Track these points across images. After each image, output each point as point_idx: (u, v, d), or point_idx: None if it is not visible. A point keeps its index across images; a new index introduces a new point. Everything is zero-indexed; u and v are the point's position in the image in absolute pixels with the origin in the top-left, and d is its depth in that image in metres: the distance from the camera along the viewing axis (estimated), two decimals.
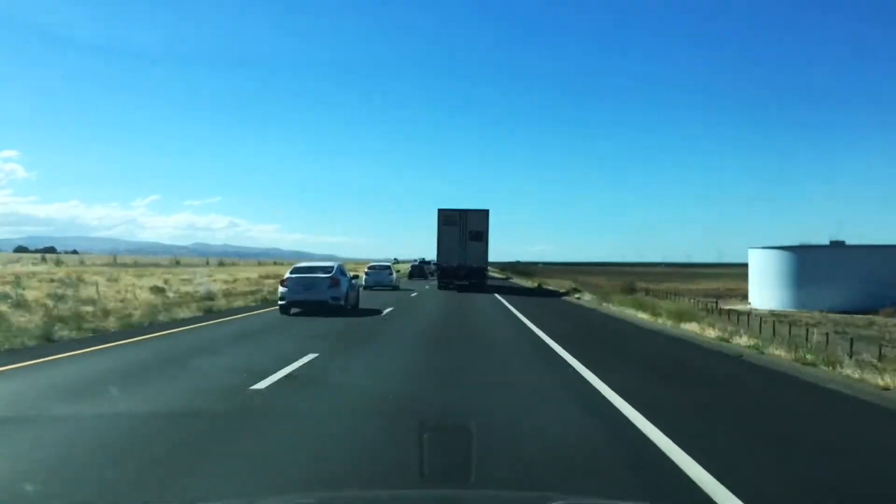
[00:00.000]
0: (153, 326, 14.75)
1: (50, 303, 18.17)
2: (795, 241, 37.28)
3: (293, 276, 18.85)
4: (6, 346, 10.81)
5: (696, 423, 6.46)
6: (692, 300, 29.91)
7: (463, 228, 35.88)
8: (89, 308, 17.14)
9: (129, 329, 14.08)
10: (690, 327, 15.93)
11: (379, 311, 19.92)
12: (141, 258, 74.63)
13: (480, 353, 11.72)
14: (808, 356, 10.25)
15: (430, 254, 41.33)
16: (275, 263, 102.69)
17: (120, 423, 6.09)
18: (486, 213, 36.67)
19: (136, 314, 16.48)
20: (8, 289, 23.40)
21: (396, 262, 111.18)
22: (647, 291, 35.93)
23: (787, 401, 8.07)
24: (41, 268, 48.82)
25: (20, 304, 17.73)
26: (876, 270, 32.88)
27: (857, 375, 8.81)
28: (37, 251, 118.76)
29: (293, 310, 18.49)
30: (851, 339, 12.03)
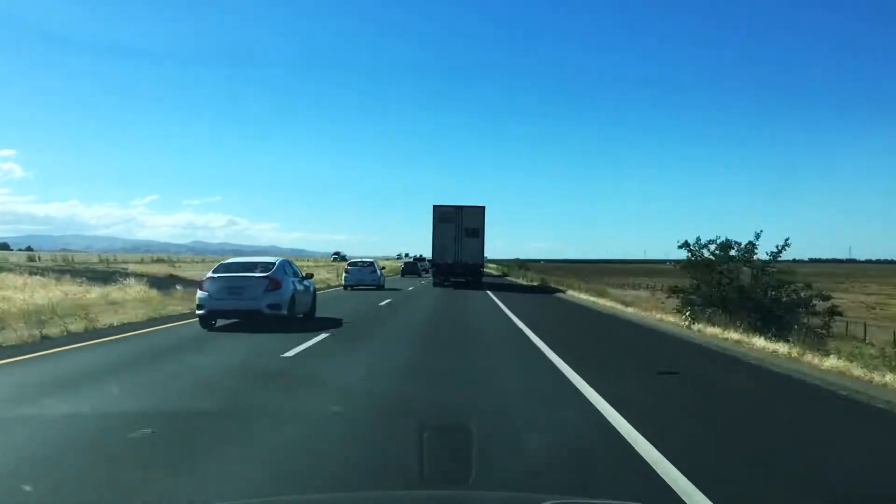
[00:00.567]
0: None
1: None
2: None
3: (217, 275, 14.07)
4: None
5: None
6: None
7: (458, 225, 35.13)
8: None
9: None
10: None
11: (339, 323, 15.24)
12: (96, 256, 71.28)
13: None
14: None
15: (427, 250, 40.89)
16: None
17: None
18: (482, 209, 35.93)
19: None
20: None
21: (407, 257, 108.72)
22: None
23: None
24: None
25: None
26: None
27: None
28: (20, 250, 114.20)
29: (218, 321, 13.94)
30: None
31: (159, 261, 68.82)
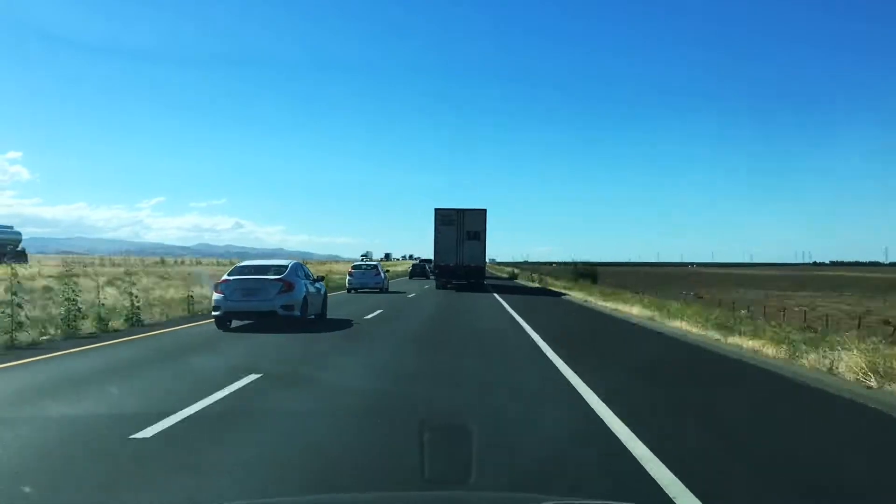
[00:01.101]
0: None
1: None
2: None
3: (232, 277, 14.62)
4: None
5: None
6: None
7: (460, 228, 35.61)
8: None
9: None
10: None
11: (349, 323, 15.74)
12: (86, 258, 71.95)
13: None
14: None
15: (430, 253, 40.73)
16: None
17: None
18: (483, 212, 36.38)
19: None
20: None
21: (416, 259, 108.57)
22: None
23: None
24: None
25: None
26: None
27: None
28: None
29: (234, 322, 14.51)
30: None
31: (162, 263, 69.30)
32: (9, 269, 14.92)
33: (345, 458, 4.90)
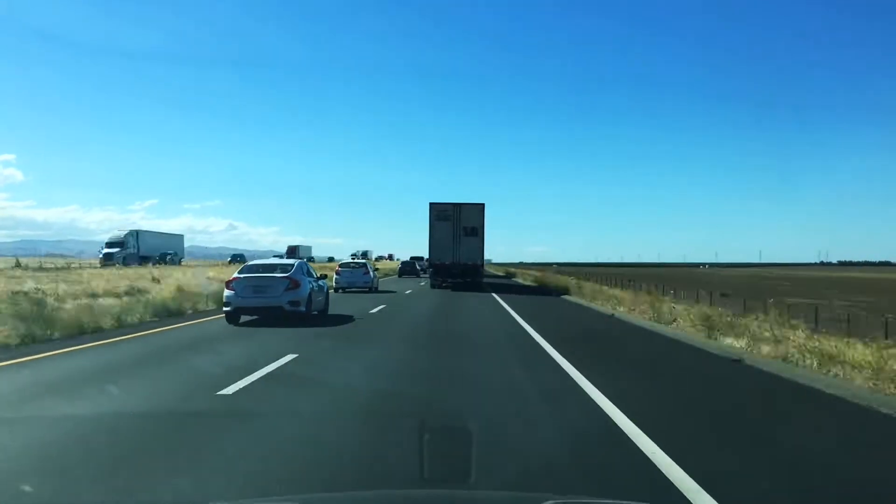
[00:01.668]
0: None
1: None
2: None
3: (242, 276, 15.84)
4: None
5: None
6: None
7: (456, 223, 34.19)
8: None
9: None
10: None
11: (351, 318, 16.93)
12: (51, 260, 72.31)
13: None
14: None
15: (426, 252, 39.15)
16: None
17: None
18: (481, 207, 34.95)
19: None
20: None
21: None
22: None
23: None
24: None
25: None
26: None
27: None
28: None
29: (243, 317, 15.67)
30: None
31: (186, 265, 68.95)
32: None
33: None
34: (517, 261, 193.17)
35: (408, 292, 30.44)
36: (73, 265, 56.84)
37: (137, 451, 5.28)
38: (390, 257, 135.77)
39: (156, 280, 27.32)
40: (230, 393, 7.41)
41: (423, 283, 38.35)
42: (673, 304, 18.71)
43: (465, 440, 4.99)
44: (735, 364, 10.40)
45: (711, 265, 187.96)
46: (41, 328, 12.16)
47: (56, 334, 12.31)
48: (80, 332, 12.90)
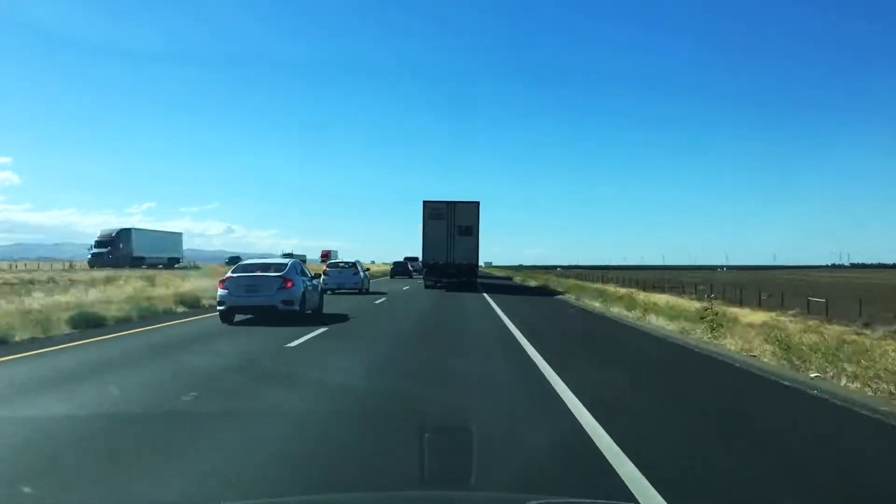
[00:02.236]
0: None
1: None
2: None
3: (236, 275, 16.04)
4: None
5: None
6: None
7: (451, 222, 33.77)
8: None
9: None
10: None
11: (346, 317, 17.12)
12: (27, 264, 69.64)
13: None
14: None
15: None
16: None
17: None
18: (475, 205, 34.65)
19: None
20: None
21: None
22: None
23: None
24: None
25: None
26: None
27: None
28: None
29: (237, 316, 15.85)
30: None
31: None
32: None
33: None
34: (516, 263, 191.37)
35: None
36: (63, 269, 56.14)
37: None
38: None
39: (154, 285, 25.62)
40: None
41: (412, 286, 37.90)
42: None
43: None
44: None
45: (729, 268, 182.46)
46: None
47: None
48: None
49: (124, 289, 23.08)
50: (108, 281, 28.22)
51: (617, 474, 4.53)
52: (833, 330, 14.49)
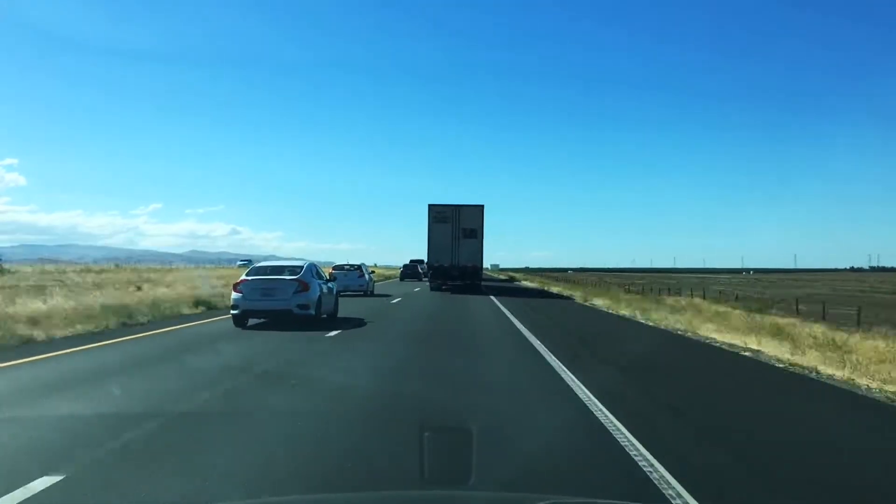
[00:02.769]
0: None
1: None
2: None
3: (250, 278, 15.64)
4: None
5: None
6: None
7: (456, 225, 34.36)
8: None
9: None
10: None
11: (362, 322, 16.73)
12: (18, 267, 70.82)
13: None
14: None
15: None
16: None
17: None
18: (480, 208, 35.07)
19: None
20: None
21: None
22: None
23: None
24: None
25: None
26: None
27: None
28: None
29: (251, 321, 15.48)
30: None
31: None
32: None
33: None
34: (522, 266, 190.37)
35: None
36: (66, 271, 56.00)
37: None
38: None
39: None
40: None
41: (418, 289, 38.81)
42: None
43: None
44: None
45: (756, 271, 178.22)
46: None
47: None
48: None
49: None
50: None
51: None
52: None
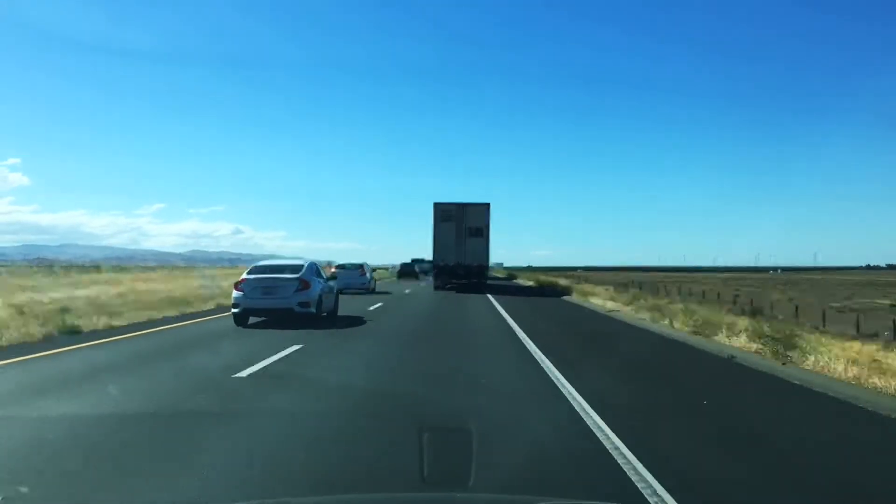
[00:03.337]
0: None
1: None
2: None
3: (251, 276, 15.97)
4: None
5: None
6: None
7: (461, 224, 34.46)
8: None
9: None
10: None
11: (362, 320, 17.02)
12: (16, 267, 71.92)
13: None
14: None
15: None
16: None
17: None
18: (486, 206, 35.12)
19: None
20: None
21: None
22: None
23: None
24: None
25: None
26: None
27: None
28: None
29: (252, 319, 15.77)
30: None
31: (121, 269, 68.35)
32: None
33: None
34: (525, 264, 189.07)
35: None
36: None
37: None
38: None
39: None
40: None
41: (422, 285, 39.94)
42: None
43: None
44: None
45: (784, 269, 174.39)
46: None
47: None
48: None
49: None
50: None
51: None
52: None
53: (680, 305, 21.37)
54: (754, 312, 21.81)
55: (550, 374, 9.18)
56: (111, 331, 14.37)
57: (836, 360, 10.12)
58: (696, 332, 15.18)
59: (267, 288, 15.73)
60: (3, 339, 12.07)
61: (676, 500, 4.30)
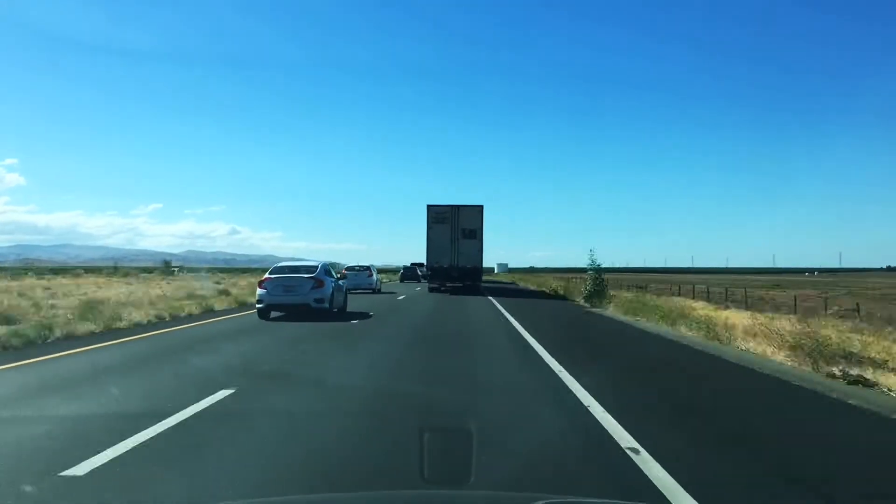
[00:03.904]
0: None
1: None
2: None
3: (273, 276, 18.60)
4: None
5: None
6: None
7: (455, 226, 35.34)
8: None
9: None
10: None
11: (367, 314, 19.48)
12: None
13: None
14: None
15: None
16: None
17: None
18: (479, 209, 35.98)
19: None
20: None
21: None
22: None
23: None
24: None
25: None
26: None
27: None
28: None
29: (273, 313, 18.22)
30: None
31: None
32: None
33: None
34: (526, 265, 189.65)
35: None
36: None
37: None
38: None
39: None
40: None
41: (418, 289, 41.79)
42: None
43: None
44: None
45: (820, 271, 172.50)
46: None
47: None
48: None
49: None
50: None
51: None
52: None
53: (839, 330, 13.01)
54: None
55: None
56: None
57: None
58: None
59: (287, 286, 18.35)
60: None
61: None
